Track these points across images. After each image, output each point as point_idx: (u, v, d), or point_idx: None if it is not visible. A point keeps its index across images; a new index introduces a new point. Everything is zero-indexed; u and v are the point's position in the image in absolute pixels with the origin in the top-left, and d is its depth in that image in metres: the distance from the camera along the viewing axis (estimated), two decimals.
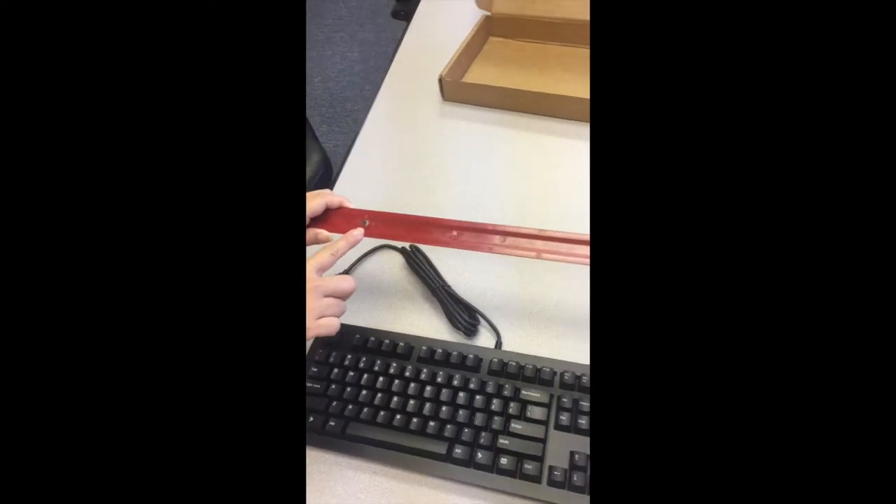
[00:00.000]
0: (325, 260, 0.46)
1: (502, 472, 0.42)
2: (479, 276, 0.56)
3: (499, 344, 0.51)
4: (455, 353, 0.48)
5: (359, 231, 0.48)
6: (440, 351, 0.48)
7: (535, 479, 0.41)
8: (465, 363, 0.48)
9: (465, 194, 0.66)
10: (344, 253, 0.47)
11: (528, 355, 0.48)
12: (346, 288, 0.45)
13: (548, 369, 0.46)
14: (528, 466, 0.41)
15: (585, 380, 0.45)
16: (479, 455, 0.42)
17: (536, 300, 0.54)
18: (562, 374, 0.46)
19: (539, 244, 0.44)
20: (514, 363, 0.47)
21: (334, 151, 0.76)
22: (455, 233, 0.45)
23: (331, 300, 0.44)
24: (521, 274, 0.56)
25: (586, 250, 0.43)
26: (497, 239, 0.45)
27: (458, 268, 0.57)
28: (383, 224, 0.48)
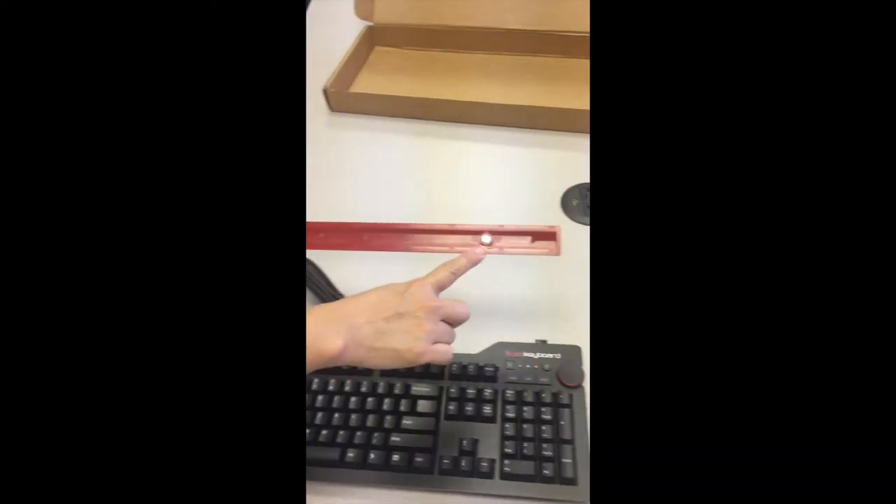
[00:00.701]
0: (446, 279, 0.42)
1: (395, 468, 0.43)
2: (371, 279, 0.56)
3: None
4: None
5: (481, 249, 0.44)
6: None
7: (427, 469, 0.42)
8: (356, 368, 0.48)
9: (356, 201, 0.66)
10: (465, 272, 0.43)
11: None
12: (462, 314, 0.41)
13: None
14: (420, 459, 0.42)
15: (471, 368, 0.47)
16: (372, 456, 0.43)
17: None
18: (450, 367, 0.48)
19: (406, 237, 0.46)
20: None
21: None
22: (323, 235, 0.46)
23: (446, 326, 0.40)
24: (411, 272, 0.57)
25: (447, 239, 0.45)
26: (365, 236, 0.46)
27: (350, 274, 0.57)
28: None
